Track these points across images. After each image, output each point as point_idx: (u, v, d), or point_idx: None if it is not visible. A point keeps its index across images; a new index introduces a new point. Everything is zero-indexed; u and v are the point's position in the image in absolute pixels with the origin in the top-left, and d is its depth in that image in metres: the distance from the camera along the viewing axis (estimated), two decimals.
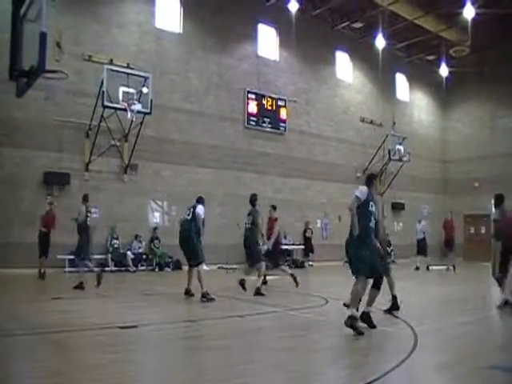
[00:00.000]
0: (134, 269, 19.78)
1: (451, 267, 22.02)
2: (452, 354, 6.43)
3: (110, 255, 19.58)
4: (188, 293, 11.44)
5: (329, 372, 5.79)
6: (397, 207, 31.12)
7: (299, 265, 24.04)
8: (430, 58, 32.82)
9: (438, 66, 30.98)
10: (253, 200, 12.63)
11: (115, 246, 19.92)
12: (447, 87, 32.30)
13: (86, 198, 13.64)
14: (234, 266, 19.46)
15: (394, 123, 31.18)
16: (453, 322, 8.67)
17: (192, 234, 11.26)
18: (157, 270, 20.29)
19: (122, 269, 19.19)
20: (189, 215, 11.52)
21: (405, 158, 29.31)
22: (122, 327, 7.60)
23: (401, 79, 33.68)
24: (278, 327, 8.49)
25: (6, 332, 7.29)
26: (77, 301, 10.87)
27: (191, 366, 5.91)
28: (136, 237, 20.55)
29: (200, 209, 11.57)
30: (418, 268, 22.55)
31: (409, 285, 16.35)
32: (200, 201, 11.91)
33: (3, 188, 17.82)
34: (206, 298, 10.84)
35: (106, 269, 18.96)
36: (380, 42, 26.64)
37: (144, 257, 20.63)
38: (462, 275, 20.36)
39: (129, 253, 19.73)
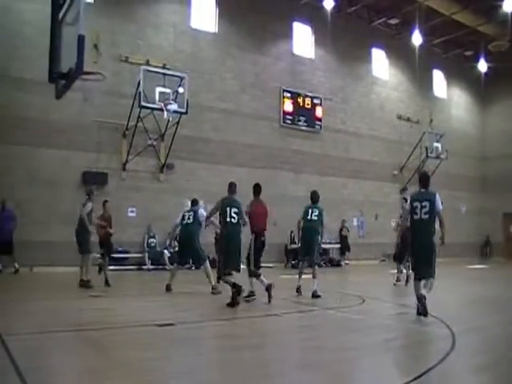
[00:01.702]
0: (171, 267, 19.90)
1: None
2: (490, 355, 6.33)
3: (146, 254, 19.79)
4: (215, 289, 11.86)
5: (364, 372, 5.76)
6: None
7: (335, 263, 23.94)
8: (468, 53, 32.24)
9: (476, 62, 30.45)
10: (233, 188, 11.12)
11: (152, 244, 20.12)
12: (486, 83, 31.75)
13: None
14: (270, 265, 19.46)
15: (431, 120, 30.76)
16: (491, 322, 8.53)
17: (195, 238, 11.78)
18: (193, 268, 20.41)
19: (160, 267, 19.36)
20: (189, 219, 11.97)
21: (442, 156, 28.90)
22: (159, 325, 7.68)
23: (438, 76, 33.23)
24: (314, 326, 8.46)
25: (44, 328, 7.43)
26: (114, 299, 11.02)
27: (226, 364, 5.94)
28: (176, 237, 20.71)
29: (202, 211, 12.22)
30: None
31: (446, 284, 16.16)
32: (196, 203, 12.45)
33: (43, 188, 18.16)
34: (215, 290, 11.59)
35: (144, 267, 19.22)
36: (417, 39, 26.32)
37: None
38: (501, 274, 20.00)
39: (165, 251, 19.89)
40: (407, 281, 13.77)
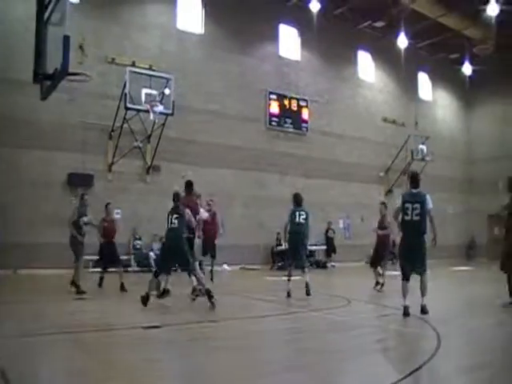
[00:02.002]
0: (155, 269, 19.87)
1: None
2: (475, 357, 6.37)
3: (132, 256, 19.73)
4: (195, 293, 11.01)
5: (350, 373, 5.77)
6: None
7: (321, 265, 23.94)
8: (453, 56, 32.45)
9: (462, 65, 30.66)
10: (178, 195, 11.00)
11: (137, 246, 20.07)
12: (471, 86, 31.97)
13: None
14: (256, 267, 19.48)
15: (417, 123, 30.94)
16: (476, 323, 8.57)
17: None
18: (179, 270, 20.36)
19: (145, 269, 19.30)
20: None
21: (428, 158, 29.07)
22: (146, 327, 7.65)
23: (423, 78, 33.43)
24: (300, 327, 8.47)
25: (30, 331, 7.39)
26: (99, 301, 10.97)
27: (213, 365, 5.93)
28: (160, 238, 20.67)
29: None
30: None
31: (432, 286, 16.23)
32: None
33: (28, 189, 18.04)
34: (196, 293, 10.78)
35: (129, 269, 19.14)
36: (402, 41, 26.44)
37: None
38: (486, 276, 20.12)
39: (151, 253, 19.83)
40: (382, 284, 13.63)
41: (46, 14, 7.81)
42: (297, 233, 11.89)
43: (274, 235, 22.66)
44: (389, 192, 28.71)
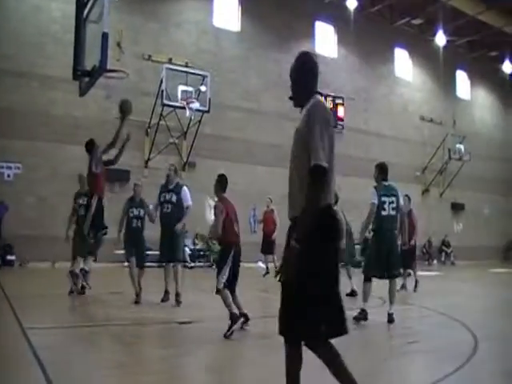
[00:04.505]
0: (192, 265, 20.04)
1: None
2: None
3: None
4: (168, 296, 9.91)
5: (385, 374, 5.71)
6: (457, 207, 30.47)
7: (358, 265, 23.74)
8: (493, 54, 31.90)
9: (501, 63, 30.13)
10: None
11: None
12: (510, 85, 31.38)
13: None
14: None
15: (455, 122, 30.50)
16: None
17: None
18: (214, 266, 20.46)
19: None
20: (168, 209, 10.04)
21: (465, 158, 28.68)
22: (180, 322, 7.70)
23: (462, 77, 32.95)
24: None
25: (66, 324, 7.51)
26: (131, 296, 11.06)
27: (250, 361, 5.93)
28: (196, 235, 20.88)
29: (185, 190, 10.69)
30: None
31: (469, 287, 15.99)
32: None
33: (65, 183, 18.29)
34: (180, 299, 9.57)
35: (163, 264, 19.25)
36: (440, 39, 26.15)
37: (201, 253, 20.94)
38: None
39: (186, 249, 19.94)
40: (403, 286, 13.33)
41: (85, 12, 7.91)
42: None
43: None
44: (425, 191, 28.38)
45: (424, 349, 6.72)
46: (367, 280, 8.50)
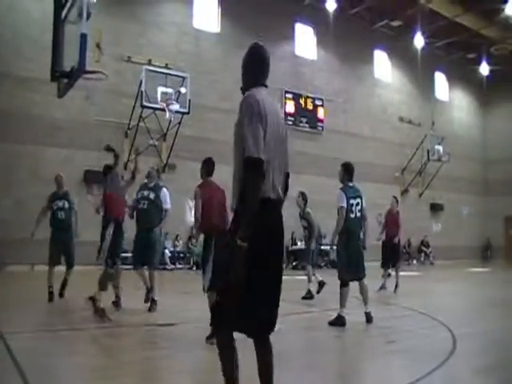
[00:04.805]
0: (172, 267, 19.99)
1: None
2: (491, 359, 6.31)
3: None
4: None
5: (365, 373, 5.75)
6: (436, 208, 30.73)
7: (336, 265, 23.80)
8: (470, 56, 32.20)
9: (479, 65, 30.47)
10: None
11: None
12: (488, 86, 31.76)
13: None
14: None
15: (433, 123, 30.72)
16: (492, 326, 8.49)
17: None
18: (194, 268, 20.44)
19: (160, 267, 19.34)
20: (144, 205, 9.78)
21: (444, 158, 28.93)
22: (161, 325, 7.67)
23: (440, 78, 33.25)
24: (314, 327, 8.45)
25: (45, 327, 7.47)
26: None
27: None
28: (176, 236, 20.83)
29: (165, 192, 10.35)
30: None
31: (448, 287, 16.15)
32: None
33: (45, 186, 18.10)
34: (155, 304, 9.11)
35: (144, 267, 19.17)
36: (419, 41, 26.37)
37: (182, 255, 20.91)
38: (503, 278, 19.99)
39: (166, 251, 19.90)
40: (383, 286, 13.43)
41: (64, 13, 7.87)
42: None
43: (289, 234, 22.62)
44: (404, 192, 28.59)
45: (403, 348, 6.77)
46: (344, 285, 8.36)
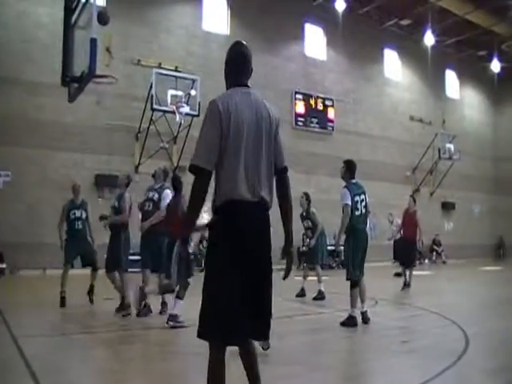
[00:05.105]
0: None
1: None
2: (504, 358, 6.27)
3: None
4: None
5: (377, 374, 5.74)
6: (447, 207, 30.59)
7: None
8: (481, 53, 32.05)
9: (489, 62, 30.30)
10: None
11: None
12: (499, 83, 31.57)
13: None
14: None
15: (444, 121, 30.62)
16: (505, 325, 8.44)
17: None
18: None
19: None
20: (149, 207, 9.65)
21: (455, 157, 28.80)
22: (173, 327, 7.68)
23: (451, 76, 33.11)
24: (325, 328, 8.44)
25: (61, 331, 7.52)
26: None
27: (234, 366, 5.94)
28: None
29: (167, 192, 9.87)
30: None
31: (460, 286, 16.06)
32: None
33: (55, 190, 18.24)
34: (126, 310, 8.88)
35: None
36: (429, 39, 26.26)
37: (193, 257, 20.89)
38: None
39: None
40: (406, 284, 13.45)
41: (74, 18, 7.92)
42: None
43: (300, 236, 22.56)
44: (416, 191, 28.48)
45: (416, 348, 6.75)
46: (355, 285, 8.28)
